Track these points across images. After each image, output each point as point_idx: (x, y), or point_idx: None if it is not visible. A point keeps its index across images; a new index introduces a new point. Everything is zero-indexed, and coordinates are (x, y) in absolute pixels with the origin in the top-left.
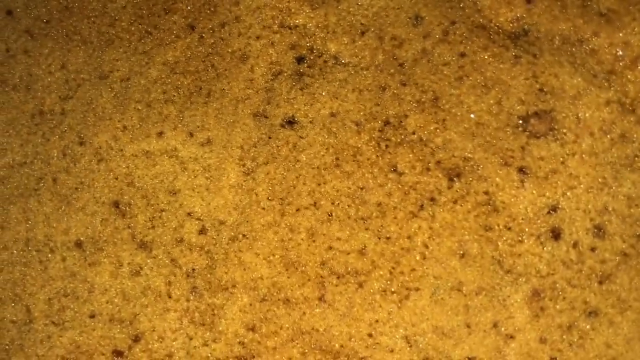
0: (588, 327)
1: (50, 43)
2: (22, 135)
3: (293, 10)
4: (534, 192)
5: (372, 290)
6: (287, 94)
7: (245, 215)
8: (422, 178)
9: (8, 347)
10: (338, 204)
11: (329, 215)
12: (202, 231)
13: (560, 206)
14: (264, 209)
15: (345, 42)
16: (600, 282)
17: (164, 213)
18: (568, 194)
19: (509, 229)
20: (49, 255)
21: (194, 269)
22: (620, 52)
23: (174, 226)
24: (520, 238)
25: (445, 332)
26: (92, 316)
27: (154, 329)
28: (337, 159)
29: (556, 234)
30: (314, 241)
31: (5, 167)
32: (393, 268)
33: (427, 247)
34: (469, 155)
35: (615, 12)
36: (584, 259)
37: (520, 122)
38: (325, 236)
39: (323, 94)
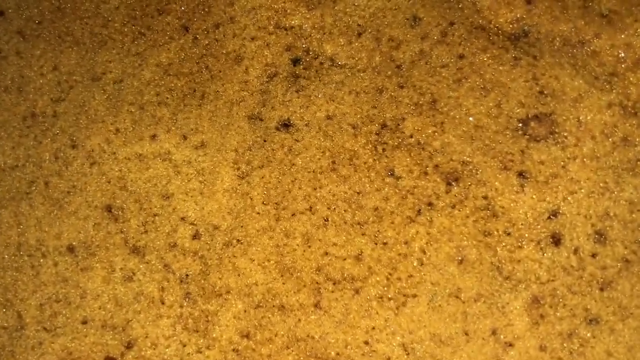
0: (589, 334)
1: (43, 44)
2: (13, 137)
3: (289, 11)
4: (534, 196)
5: (368, 297)
6: (282, 96)
7: (240, 220)
8: (420, 182)
9: None
10: (334, 208)
11: (325, 220)
12: (196, 236)
13: (560, 211)
14: (258, 213)
15: (342, 43)
16: (602, 289)
17: (157, 217)
18: (569, 198)
19: (509, 234)
20: (41, 260)
21: (187, 275)
22: (622, 54)
23: (167, 231)
24: (519, 244)
25: (443, 340)
26: (84, 322)
27: (146, 335)
28: (333, 162)
29: (556, 240)
30: (309, 246)
31: None
32: (390, 274)
33: (424, 252)
34: (468, 159)
35: (617, 13)
36: (584, 265)
37: (520, 125)
38: (321, 241)
39: (319, 96)
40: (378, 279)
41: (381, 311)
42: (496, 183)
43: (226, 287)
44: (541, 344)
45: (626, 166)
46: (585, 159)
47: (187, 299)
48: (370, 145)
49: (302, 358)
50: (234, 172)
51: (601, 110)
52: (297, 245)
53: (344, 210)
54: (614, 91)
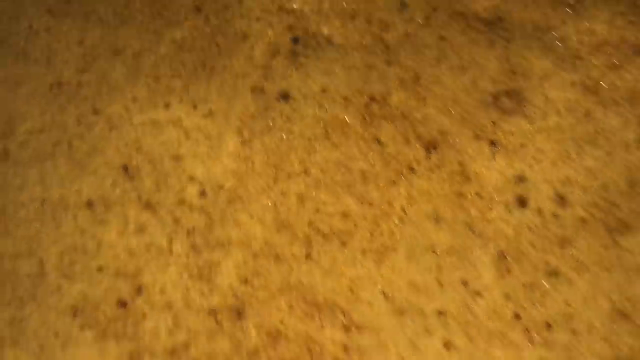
0: (549, 286)
1: (70, 21)
2: (41, 104)
3: None
4: (504, 163)
5: (354, 250)
6: (283, 71)
7: (242, 181)
8: (403, 149)
9: (22, 297)
10: (326, 171)
11: (318, 182)
12: (202, 194)
13: (527, 177)
14: (259, 175)
15: (337, 25)
16: (561, 246)
17: (168, 177)
18: (534, 166)
19: (480, 196)
20: (62, 213)
21: (193, 228)
22: (586, 39)
23: (177, 189)
24: (490, 205)
25: (419, 289)
26: (99, 270)
27: (155, 281)
28: (326, 131)
29: (522, 202)
30: (303, 205)
31: (25, 133)
32: (373, 230)
33: (405, 211)
34: (446, 129)
35: (582, 3)
36: (547, 225)
37: (493, 99)
38: (314, 200)
39: (315, 71)
40: (363, 233)
41: (365, 262)
42: (470, 151)
43: (228, 239)
44: (506, 293)
45: (587, 138)
46: (550, 131)
47: (193, 250)
48: (359, 116)
49: (293, 302)
50: (238, 138)
51: (565, 88)
52: (292, 203)
53: (335, 173)
54: (577, 72)
